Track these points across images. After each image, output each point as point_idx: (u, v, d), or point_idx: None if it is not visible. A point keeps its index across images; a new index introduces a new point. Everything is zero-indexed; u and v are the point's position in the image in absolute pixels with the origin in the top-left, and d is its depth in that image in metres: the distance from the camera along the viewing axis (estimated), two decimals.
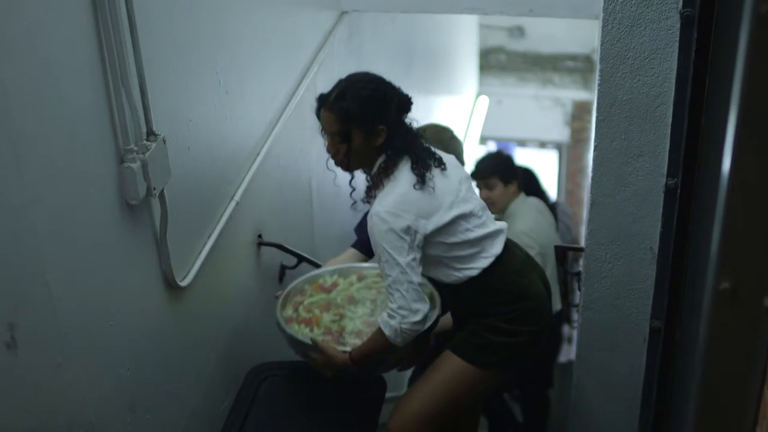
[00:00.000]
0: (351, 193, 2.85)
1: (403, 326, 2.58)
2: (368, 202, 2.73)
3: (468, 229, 2.70)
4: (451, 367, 2.81)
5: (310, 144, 3.91)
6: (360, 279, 3.18)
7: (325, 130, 2.66)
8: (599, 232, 2.69)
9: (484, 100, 10.41)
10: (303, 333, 2.89)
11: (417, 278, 2.58)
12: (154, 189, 2.23)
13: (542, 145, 11.57)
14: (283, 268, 3.57)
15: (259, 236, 3.29)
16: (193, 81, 2.61)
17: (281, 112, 3.43)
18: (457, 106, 9.09)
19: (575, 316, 4.81)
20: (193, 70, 2.60)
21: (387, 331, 2.60)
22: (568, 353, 6.36)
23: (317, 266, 3.70)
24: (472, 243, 2.72)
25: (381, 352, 2.71)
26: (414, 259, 2.57)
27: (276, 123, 3.36)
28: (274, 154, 3.31)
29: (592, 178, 2.62)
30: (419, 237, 2.59)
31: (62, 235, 1.88)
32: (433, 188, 2.64)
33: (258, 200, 3.21)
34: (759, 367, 1.48)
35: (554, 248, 3.45)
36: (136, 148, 2.14)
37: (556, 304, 4.42)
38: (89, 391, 2.05)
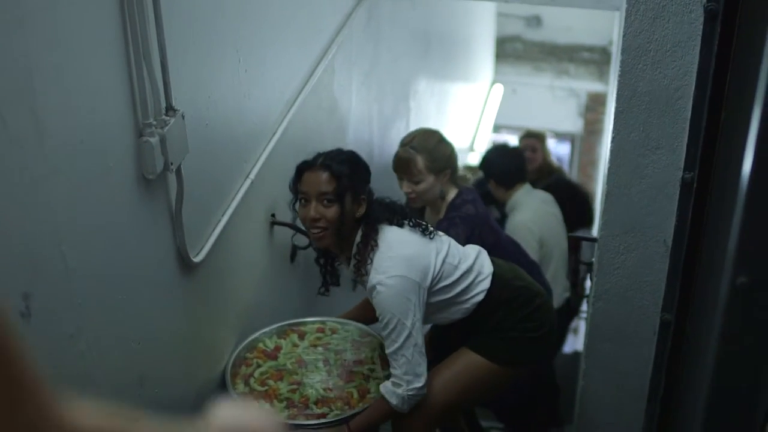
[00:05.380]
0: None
1: (409, 393, 2.61)
2: (360, 280, 2.75)
3: (457, 265, 2.73)
4: (467, 362, 2.81)
5: (326, 126, 3.91)
6: (301, 337, 3.17)
7: (312, 191, 2.65)
8: (613, 224, 2.69)
9: (499, 88, 10.41)
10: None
11: (421, 339, 2.61)
12: (172, 164, 2.23)
13: (556, 135, 11.55)
14: (295, 248, 3.58)
15: (273, 215, 3.29)
16: (214, 58, 2.60)
17: (298, 93, 3.43)
18: (472, 93, 9.07)
19: (583, 306, 4.82)
20: (214, 47, 2.59)
21: (394, 401, 2.63)
22: (573, 343, 6.37)
23: None
24: (468, 272, 2.76)
25: (383, 421, 2.75)
26: (418, 319, 2.59)
27: (293, 103, 3.36)
28: (290, 134, 3.31)
29: (609, 170, 2.62)
30: (424, 294, 2.62)
31: (79, 207, 1.88)
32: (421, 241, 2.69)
33: (273, 179, 3.20)
34: None
35: (567, 238, 3.46)
36: (155, 122, 2.13)
37: (564, 293, 4.43)
38: (100, 363, 2.05)
